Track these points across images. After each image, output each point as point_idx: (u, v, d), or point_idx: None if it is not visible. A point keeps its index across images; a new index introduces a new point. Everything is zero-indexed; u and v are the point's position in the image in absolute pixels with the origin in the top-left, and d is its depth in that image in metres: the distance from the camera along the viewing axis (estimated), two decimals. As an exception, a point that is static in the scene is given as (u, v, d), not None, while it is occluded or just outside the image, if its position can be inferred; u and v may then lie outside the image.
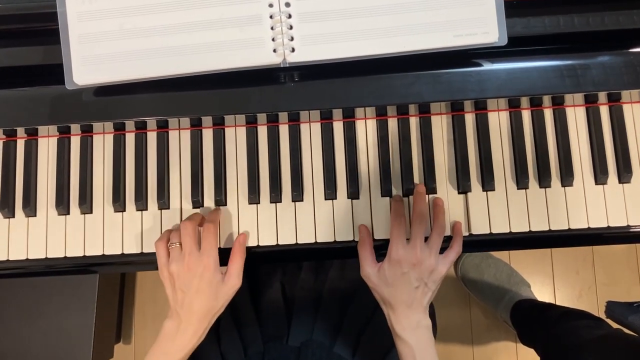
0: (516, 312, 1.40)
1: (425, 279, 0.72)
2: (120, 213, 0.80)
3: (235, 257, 0.75)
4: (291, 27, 0.69)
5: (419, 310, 0.72)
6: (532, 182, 0.79)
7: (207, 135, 0.81)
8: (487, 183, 0.78)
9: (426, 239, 0.75)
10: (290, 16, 0.69)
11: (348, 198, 0.80)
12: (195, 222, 0.75)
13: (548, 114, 0.80)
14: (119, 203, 0.80)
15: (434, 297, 0.76)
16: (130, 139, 0.82)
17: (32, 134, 0.82)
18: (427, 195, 0.79)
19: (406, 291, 0.72)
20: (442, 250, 0.75)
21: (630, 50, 0.74)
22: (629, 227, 0.78)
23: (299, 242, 0.79)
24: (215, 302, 0.72)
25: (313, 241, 0.79)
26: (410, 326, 0.72)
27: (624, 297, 1.58)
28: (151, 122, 0.81)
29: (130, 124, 0.81)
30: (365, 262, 0.75)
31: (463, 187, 0.79)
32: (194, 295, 0.71)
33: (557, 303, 1.58)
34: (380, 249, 0.78)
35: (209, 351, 0.88)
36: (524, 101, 0.80)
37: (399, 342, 0.72)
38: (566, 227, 0.78)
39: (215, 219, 0.76)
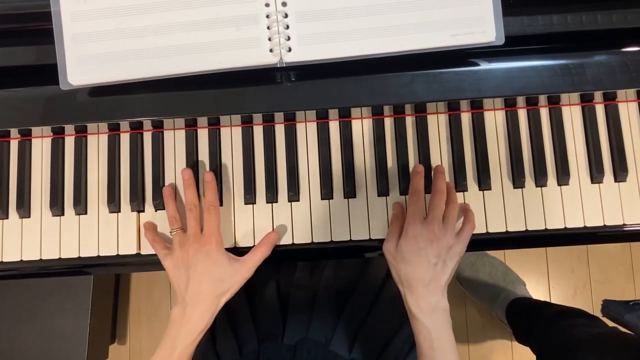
0: (511, 310, 1.40)
1: (443, 256, 0.72)
2: (116, 214, 0.80)
3: (258, 249, 0.76)
4: (288, 27, 0.69)
5: (436, 290, 0.71)
6: (529, 181, 0.79)
7: (203, 135, 0.81)
8: (484, 182, 0.79)
9: None
10: (286, 15, 0.69)
11: (344, 198, 0.79)
12: (199, 206, 0.76)
13: (544, 113, 0.80)
14: (114, 204, 0.79)
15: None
16: (125, 139, 0.81)
17: (26, 135, 0.81)
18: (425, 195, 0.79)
19: (424, 268, 0.71)
20: None
21: (626, 49, 0.74)
22: (624, 225, 0.78)
23: (295, 242, 0.79)
24: (220, 284, 0.72)
25: (309, 241, 0.79)
26: (428, 307, 0.70)
27: (619, 295, 1.59)
28: (146, 122, 0.80)
29: (125, 124, 0.80)
30: (390, 236, 0.74)
31: (459, 186, 0.79)
32: (199, 275, 0.72)
33: (553, 301, 1.59)
34: (378, 249, 0.78)
35: (204, 350, 0.88)
36: (520, 100, 0.80)
37: (415, 324, 0.71)
38: (562, 226, 0.78)
39: (214, 200, 0.77)
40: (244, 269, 0.74)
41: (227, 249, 0.77)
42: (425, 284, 0.71)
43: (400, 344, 0.88)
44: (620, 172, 0.78)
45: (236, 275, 0.74)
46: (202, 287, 0.72)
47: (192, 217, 0.75)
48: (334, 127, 0.81)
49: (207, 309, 0.72)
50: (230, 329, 0.89)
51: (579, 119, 0.80)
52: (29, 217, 0.80)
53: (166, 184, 0.80)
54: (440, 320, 0.71)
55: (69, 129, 0.81)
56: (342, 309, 0.90)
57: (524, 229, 0.78)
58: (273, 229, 0.79)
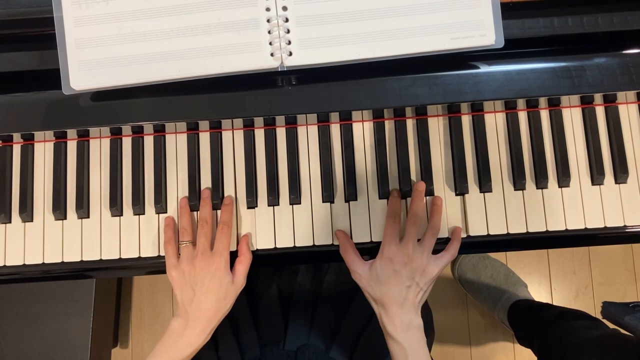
0: (513, 312, 1.40)
1: (416, 278, 0.73)
2: (118, 217, 0.80)
3: (243, 257, 0.77)
4: (288, 31, 0.69)
5: (410, 310, 0.72)
6: (529, 183, 0.79)
7: (204, 138, 0.81)
8: (485, 185, 0.79)
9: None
10: (287, 20, 0.69)
11: (345, 201, 0.80)
12: (211, 224, 0.77)
13: (544, 115, 0.81)
14: (116, 207, 0.79)
15: (429, 297, 0.76)
16: (127, 143, 0.81)
17: (29, 139, 0.81)
18: (425, 197, 0.79)
19: (398, 289, 0.72)
20: (438, 252, 0.76)
21: (626, 51, 0.74)
22: (625, 227, 0.78)
23: (297, 245, 0.79)
24: (224, 302, 0.74)
25: (311, 244, 0.79)
26: (402, 326, 0.72)
27: (621, 297, 1.59)
28: (148, 126, 0.81)
29: (126, 128, 0.81)
30: (354, 264, 0.75)
31: (460, 188, 0.79)
32: (205, 294, 0.73)
33: (554, 303, 1.59)
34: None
35: (206, 356, 0.88)
36: (521, 102, 0.80)
37: (390, 342, 0.73)
38: (563, 228, 0.78)
39: (229, 220, 0.77)
40: (241, 280, 0.76)
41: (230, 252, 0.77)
42: (399, 304, 0.72)
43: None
44: (621, 173, 0.78)
45: (237, 289, 0.76)
46: (205, 306, 0.73)
47: (203, 234, 0.76)
48: (335, 130, 0.81)
49: (207, 325, 0.74)
50: (233, 335, 0.89)
51: (579, 121, 0.81)
52: (32, 221, 0.81)
53: (168, 188, 0.80)
54: (414, 338, 0.72)
55: (71, 133, 0.81)
56: (344, 315, 0.90)
57: (525, 230, 0.78)
58: (275, 232, 0.79)
